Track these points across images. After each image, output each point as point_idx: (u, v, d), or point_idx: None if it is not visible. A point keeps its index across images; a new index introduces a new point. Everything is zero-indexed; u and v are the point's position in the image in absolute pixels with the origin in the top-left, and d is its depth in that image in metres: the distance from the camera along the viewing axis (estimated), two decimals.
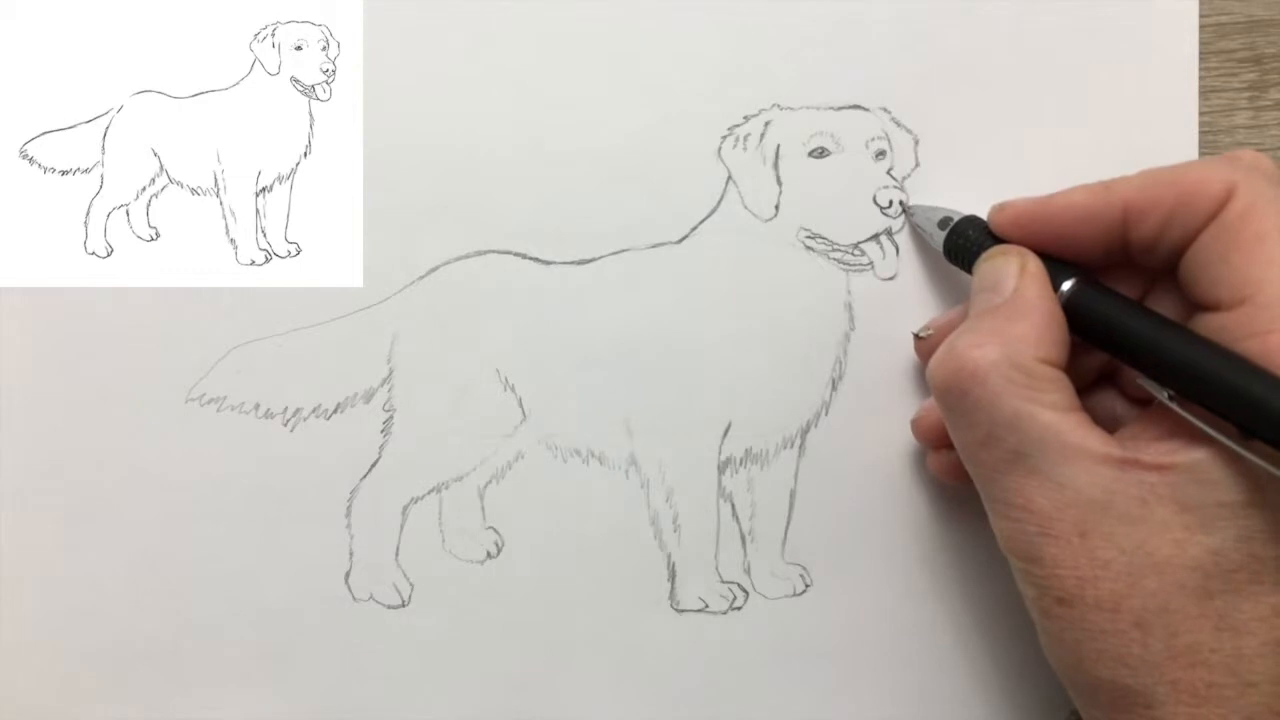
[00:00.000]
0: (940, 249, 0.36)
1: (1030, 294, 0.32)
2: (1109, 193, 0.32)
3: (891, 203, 0.38)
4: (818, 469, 0.39)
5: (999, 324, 0.32)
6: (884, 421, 0.38)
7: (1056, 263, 0.33)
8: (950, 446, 0.34)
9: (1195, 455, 0.29)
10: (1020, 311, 0.32)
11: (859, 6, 0.38)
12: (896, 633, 0.38)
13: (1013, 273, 0.33)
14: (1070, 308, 0.32)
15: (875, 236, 0.38)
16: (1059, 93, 0.38)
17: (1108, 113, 0.38)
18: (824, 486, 0.39)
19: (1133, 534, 0.29)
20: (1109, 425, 0.32)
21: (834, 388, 0.38)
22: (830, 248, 0.38)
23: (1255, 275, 0.30)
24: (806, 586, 0.39)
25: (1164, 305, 0.34)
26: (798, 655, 0.39)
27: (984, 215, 0.35)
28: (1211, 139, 0.38)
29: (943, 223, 0.36)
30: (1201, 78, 0.38)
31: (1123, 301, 0.32)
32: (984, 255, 0.34)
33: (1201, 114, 0.38)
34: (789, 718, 0.38)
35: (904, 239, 0.38)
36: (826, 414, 0.38)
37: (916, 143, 0.38)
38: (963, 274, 0.36)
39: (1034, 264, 0.33)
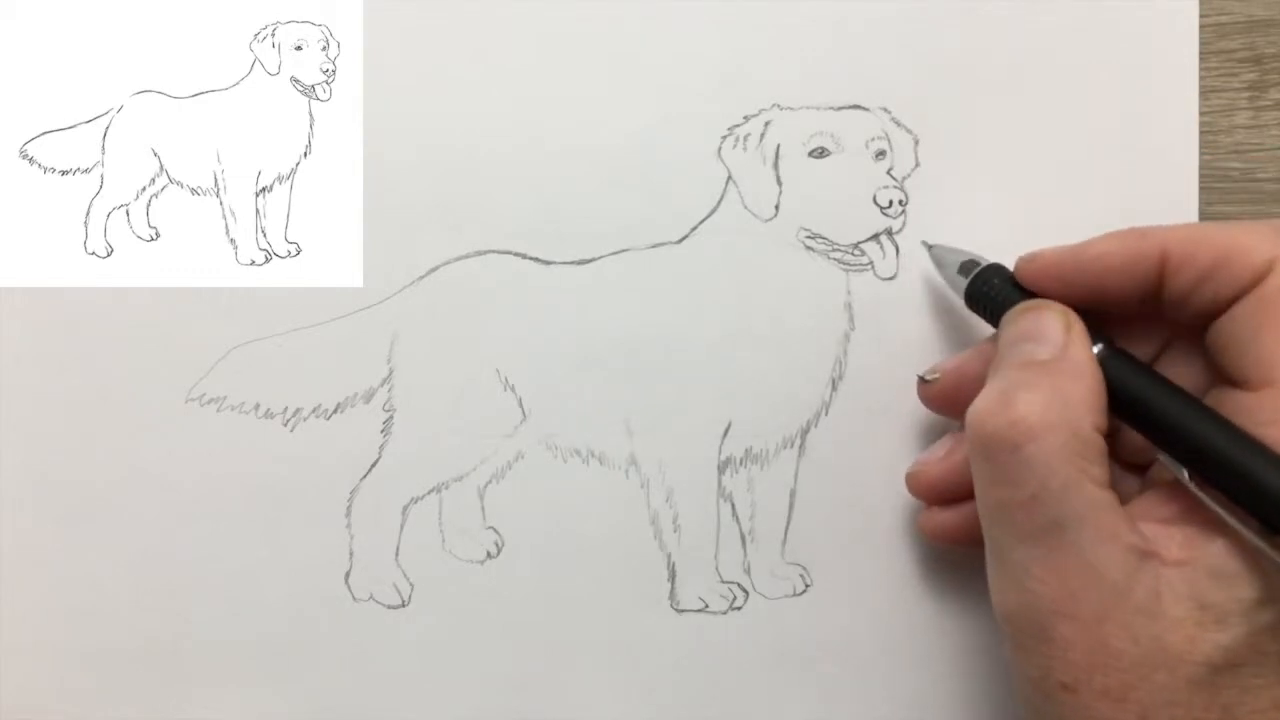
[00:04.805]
0: (960, 294, 0.35)
1: (1081, 356, 0.30)
2: (1145, 240, 0.31)
3: (891, 203, 0.38)
4: (818, 469, 0.38)
5: (1056, 382, 0.29)
6: (884, 421, 0.38)
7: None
8: (951, 504, 0.34)
9: (1212, 549, 0.28)
10: (1075, 373, 0.30)
11: (859, 6, 0.38)
12: (896, 633, 0.38)
13: (1059, 328, 0.31)
14: None
15: (875, 236, 0.38)
16: (1059, 93, 0.38)
17: (1108, 113, 0.38)
18: (824, 486, 0.39)
19: (1149, 627, 0.28)
20: None
21: (834, 388, 0.38)
22: (830, 248, 0.38)
23: None
24: (806, 586, 0.39)
25: (1180, 366, 0.32)
26: (798, 655, 0.39)
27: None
28: (1211, 139, 0.38)
29: (964, 268, 0.35)
30: (1201, 78, 0.38)
31: (1150, 373, 0.31)
32: (1022, 306, 0.32)
33: (1201, 114, 0.38)
34: (789, 718, 0.38)
35: (904, 239, 0.38)
36: (826, 414, 0.38)
37: (916, 143, 0.38)
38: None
39: (1079, 324, 0.31)
